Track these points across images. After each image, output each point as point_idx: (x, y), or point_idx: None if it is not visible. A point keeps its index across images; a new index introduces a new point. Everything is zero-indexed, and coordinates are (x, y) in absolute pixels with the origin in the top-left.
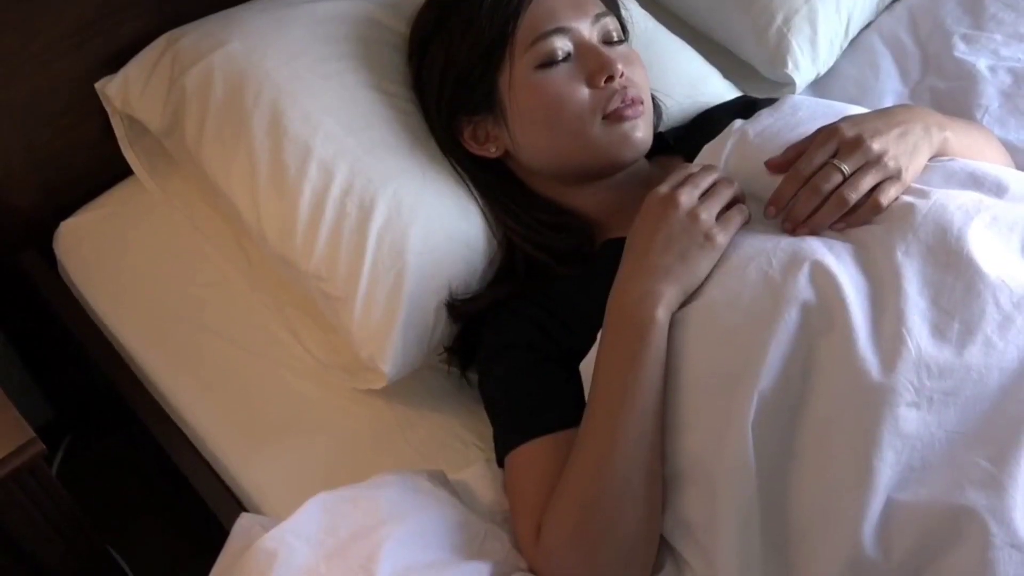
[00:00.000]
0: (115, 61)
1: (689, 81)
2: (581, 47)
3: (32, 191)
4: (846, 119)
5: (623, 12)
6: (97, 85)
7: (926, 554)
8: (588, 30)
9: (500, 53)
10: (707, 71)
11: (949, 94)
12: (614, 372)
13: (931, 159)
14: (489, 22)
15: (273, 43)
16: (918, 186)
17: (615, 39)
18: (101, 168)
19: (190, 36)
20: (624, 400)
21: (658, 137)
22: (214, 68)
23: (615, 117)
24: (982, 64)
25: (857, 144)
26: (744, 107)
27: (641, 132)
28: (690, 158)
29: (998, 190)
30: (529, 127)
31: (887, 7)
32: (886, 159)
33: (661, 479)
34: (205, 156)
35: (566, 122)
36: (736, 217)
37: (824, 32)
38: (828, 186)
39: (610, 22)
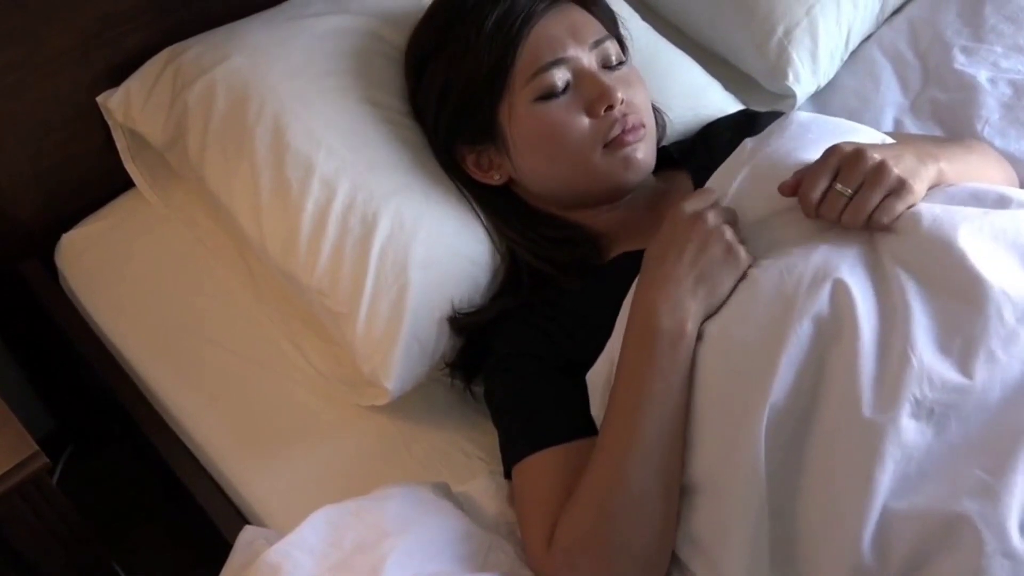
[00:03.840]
0: (118, 74)
1: (690, 93)
2: (580, 76)
3: (35, 202)
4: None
5: (622, 31)
6: (99, 99)
7: (920, 560)
8: (587, 58)
9: (499, 85)
10: (708, 83)
11: (949, 106)
12: (639, 382)
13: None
14: (488, 52)
15: (275, 58)
16: (920, 203)
17: (614, 63)
18: (103, 180)
19: (192, 50)
20: (649, 410)
21: (662, 151)
22: (216, 82)
23: (616, 144)
24: (982, 76)
25: (857, 158)
26: (746, 120)
27: (642, 153)
28: (694, 172)
29: (1000, 206)
30: (531, 157)
31: (887, 19)
32: (889, 168)
33: (679, 491)
34: (207, 171)
35: (567, 153)
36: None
37: (824, 44)
38: (833, 216)
39: (610, 46)
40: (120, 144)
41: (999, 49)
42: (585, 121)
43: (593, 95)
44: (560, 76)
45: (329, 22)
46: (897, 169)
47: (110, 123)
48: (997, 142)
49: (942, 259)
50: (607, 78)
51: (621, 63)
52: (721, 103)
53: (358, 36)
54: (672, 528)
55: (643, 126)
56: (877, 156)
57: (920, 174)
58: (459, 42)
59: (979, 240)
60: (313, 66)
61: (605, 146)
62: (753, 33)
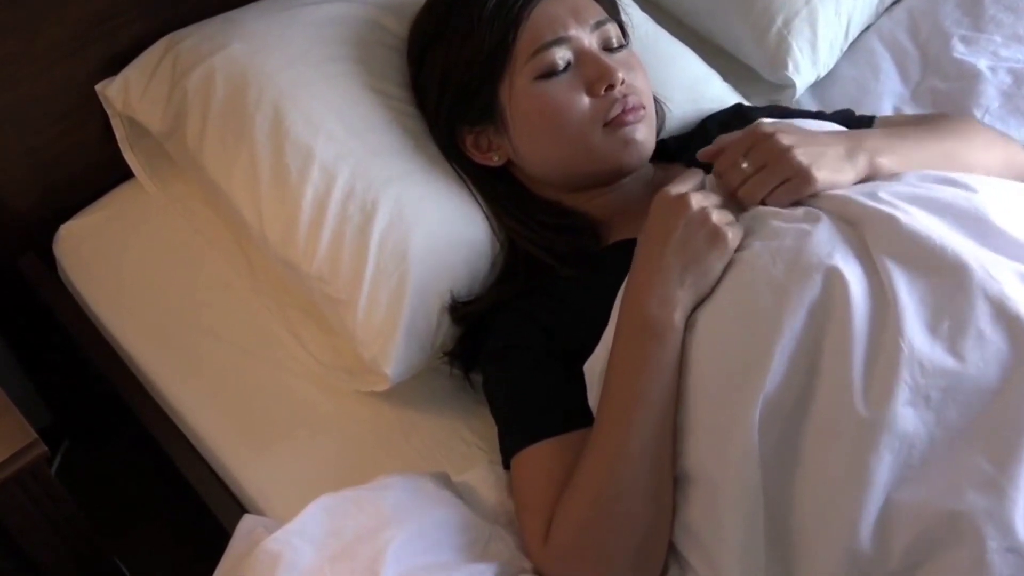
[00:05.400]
0: (116, 64)
1: (689, 84)
2: (581, 56)
3: (32, 194)
4: (775, 122)
5: (623, 17)
6: (98, 87)
7: (923, 554)
8: (588, 38)
9: (500, 64)
10: (707, 73)
11: (949, 94)
12: (630, 375)
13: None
14: (489, 32)
15: (274, 45)
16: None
17: (615, 45)
18: (102, 171)
19: (191, 38)
20: (639, 402)
21: (660, 143)
22: (215, 70)
23: (615, 123)
24: (982, 64)
25: (766, 139)
26: (737, 115)
27: (641, 135)
28: (689, 166)
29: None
30: (531, 137)
31: (886, 9)
32: (792, 155)
33: (672, 481)
34: (207, 158)
35: (567, 132)
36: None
37: (824, 34)
38: (732, 188)
39: (610, 28)
40: (119, 133)
41: (999, 39)
42: (585, 100)
43: (594, 75)
44: (561, 55)
45: (328, 10)
46: (802, 157)
47: (109, 112)
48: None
49: (922, 245)
50: (608, 59)
51: (622, 46)
52: (721, 94)
53: (357, 24)
54: (666, 520)
55: (643, 108)
56: (786, 141)
57: (835, 166)
58: (460, 25)
59: (952, 225)
60: (312, 53)
61: (605, 125)
62: (753, 23)
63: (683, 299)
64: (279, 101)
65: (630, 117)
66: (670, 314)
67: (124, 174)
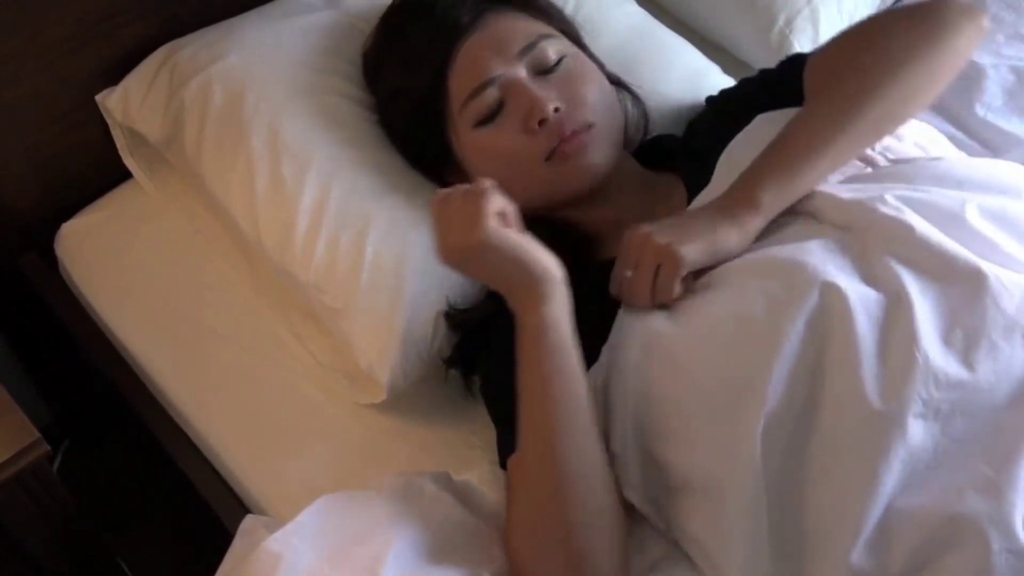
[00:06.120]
0: (117, 64)
1: (689, 77)
2: (509, 91)
3: (34, 193)
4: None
5: (565, 25)
6: (98, 98)
7: (925, 558)
8: (516, 70)
9: (440, 117)
10: (707, 66)
11: (950, 90)
12: (528, 379)
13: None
14: (420, 84)
15: (272, 56)
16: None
17: (553, 62)
18: (103, 170)
19: (189, 48)
20: (535, 407)
21: (655, 141)
22: (213, 80)
23: (557, 156)
24: (985, 62)
25: (630, 238)
26: (710, 113)
27: (591, 157)
28: (684, 175)
29: (985, 188)
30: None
31: (888, 8)
32: (650, 242)
33: (604, 479)
34: (204, 167)
35: (515, 173)
36: (470, 200)
37: (826, 33)
38: (629, 301)
39: (544, 46)
40: (119, 142)
41: (1000, 37)
42: (523, 138)
43: (524, 109)
44: (491, 96)
45: (325, 20)
46: (662, 238)
47: (109, 122)
48: (1001, 126)
49: (936, 253)
50: (538, 87)
51: (562, 58)
52: (720, 86)
53: (354, 35)
54: (605, 522)
55: (589, 127)
56: (645, 230)
57: (708, 235)
58: (395, 69)
59: (966, 230)
60: (309, 64)
61: (547, 160)
62: (754, 22)
63: (519, 296)
64: (276, 111)
65: (568, 148)
66: (532, 320)
67: (126, 173)
